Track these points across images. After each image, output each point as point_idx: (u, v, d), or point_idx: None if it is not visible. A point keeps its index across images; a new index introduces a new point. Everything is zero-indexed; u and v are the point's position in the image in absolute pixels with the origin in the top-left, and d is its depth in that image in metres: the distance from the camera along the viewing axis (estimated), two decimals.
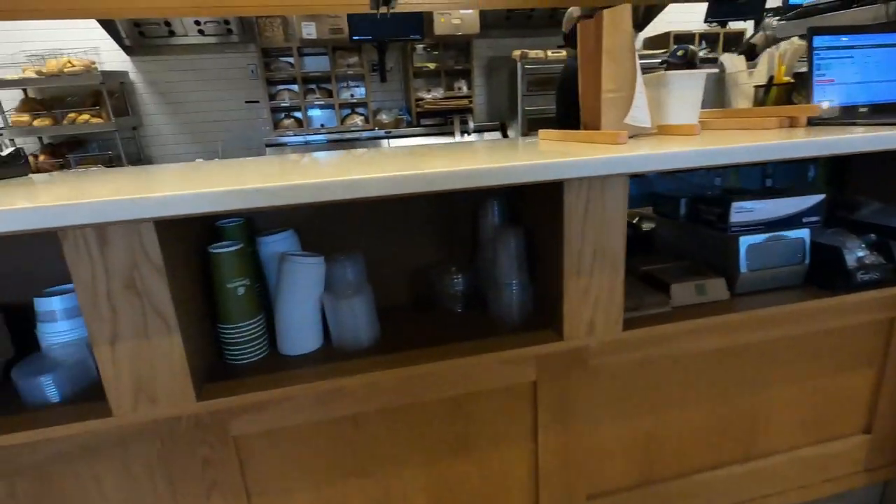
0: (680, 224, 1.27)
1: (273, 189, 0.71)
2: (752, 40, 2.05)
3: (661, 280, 1.14)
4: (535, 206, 1.06)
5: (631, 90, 1.13)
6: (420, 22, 3.64)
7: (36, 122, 3.32)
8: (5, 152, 1.21)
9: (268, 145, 3.73)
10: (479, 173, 0.76)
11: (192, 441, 0.88)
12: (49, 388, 0.86)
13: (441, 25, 3.71)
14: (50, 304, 0.93)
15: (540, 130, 1.39)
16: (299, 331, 0.99)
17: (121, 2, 1.42)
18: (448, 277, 1.14)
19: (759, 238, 1.11)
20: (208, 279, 0.95)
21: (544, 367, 1.01)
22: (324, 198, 0.73)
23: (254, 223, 1.14)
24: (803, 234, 1.13)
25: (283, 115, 3.92)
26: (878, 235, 1.19)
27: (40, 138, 3.62)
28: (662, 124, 1.24)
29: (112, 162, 3.58)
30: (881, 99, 1.23)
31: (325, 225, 1.17)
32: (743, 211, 1.10)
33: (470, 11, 3.72)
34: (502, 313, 1.08)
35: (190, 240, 0.92)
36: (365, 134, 3.87)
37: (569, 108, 2.08)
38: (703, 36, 4.41)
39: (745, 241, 1.10)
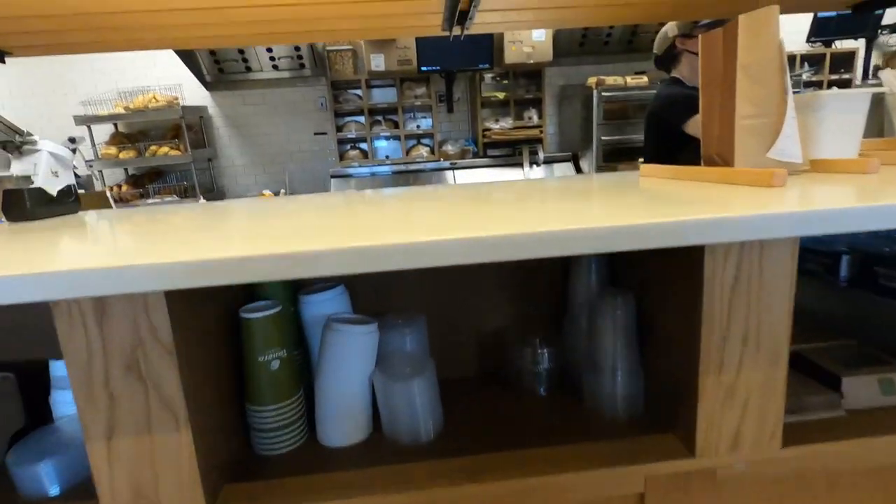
0: (841, 289, 0.96)
1: (316, 255, 0.52)
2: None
3: (824, 368, 0.83)
4: (650, 266, 0.81)
5: (777, 115, 0.87)
6: (490, 51, 3.52)
7: (121, 155, 3.49)
8: (56, 189, 1.15)
9: (333, 176, 3.71)
10: (580, 236, 0.54)
11: None
12: (47, 478, 0.72)
13: (512, 54, 3.57)
14: (62, 369, 0.80)
15: (641, 166, 1.14)
16: (343, 418, 0.79)
17: (190, 31, 1.36)
18: (529, 351, 0.91)
19: None
20: (238, 345, 0.78)
21: (657, 481, 0.75)
22: (383, 267, 0.53)
23: None
24: None
25: (348, 146, 3.90)
26: None
27: (126, 169, 3.82)
28: (815, 159, 0.96)
29: (187, 192, 3.70)
30: None
31: (378, 277, 0.98)
32: None
33: (542, 39, 3.55)
34: (602, 406, 0.82)
35: (215, 298, 0.76)
36: (429, 165, 3.76)
37: (664, 140, 1.81)
38: (805, 57, 3.95)
39: None
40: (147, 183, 3.69)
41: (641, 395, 0.81)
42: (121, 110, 3.46)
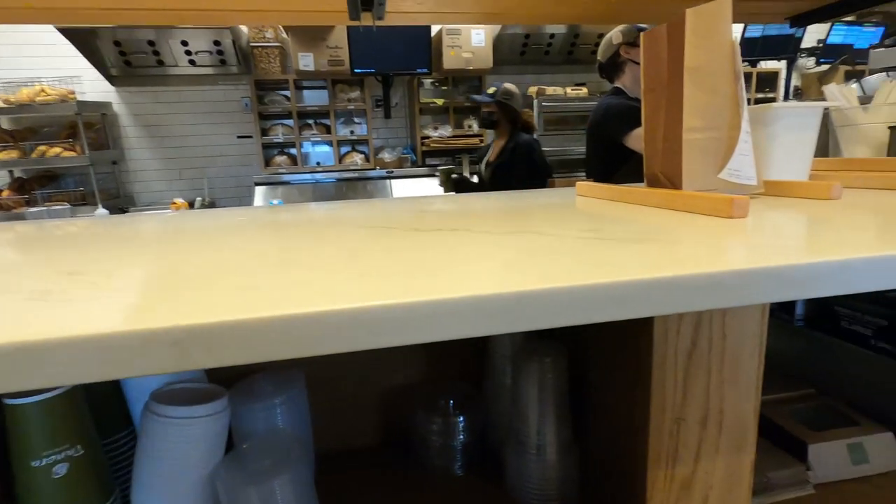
0: (795, 329, 0.84)
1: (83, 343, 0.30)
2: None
3: (787, 431, 0.70)
4: None
5: (729, 129, 0.74)
6: (427, 54, 3.36)
7: (1, 155, 3.01)
8: None
9: (258, 184, 3.40)
10: (472, 313, 0.35)
11: None
12: None
13: (450, 59, 3.42)
14: None
15: (577, 184, 0.99)
16: None
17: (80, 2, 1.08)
18: (441, 418, 0.72)
19: None
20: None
21: None
22: (220, 362, 0.32)
23: None
24: None
25: (276, 151, 3.60)
26: None
27: (11, 172, 3.32)
28: (766, 180, 0.84)
29: (85, 199, 3.26)
30: None
31: None
32: None
33: (482, 45, 3.43)
34: (528, 492, 0.64)
35: None
36: (366, 173, 3.54)
37: (606, 153, 1.70)
38: None
39: None
40: (35, 188, 3.22)
41: (575, 480, 0.64)
42: (1, 104, 2.99)
